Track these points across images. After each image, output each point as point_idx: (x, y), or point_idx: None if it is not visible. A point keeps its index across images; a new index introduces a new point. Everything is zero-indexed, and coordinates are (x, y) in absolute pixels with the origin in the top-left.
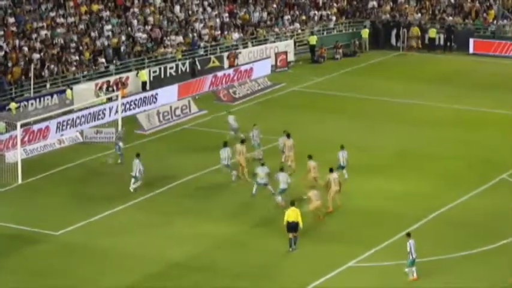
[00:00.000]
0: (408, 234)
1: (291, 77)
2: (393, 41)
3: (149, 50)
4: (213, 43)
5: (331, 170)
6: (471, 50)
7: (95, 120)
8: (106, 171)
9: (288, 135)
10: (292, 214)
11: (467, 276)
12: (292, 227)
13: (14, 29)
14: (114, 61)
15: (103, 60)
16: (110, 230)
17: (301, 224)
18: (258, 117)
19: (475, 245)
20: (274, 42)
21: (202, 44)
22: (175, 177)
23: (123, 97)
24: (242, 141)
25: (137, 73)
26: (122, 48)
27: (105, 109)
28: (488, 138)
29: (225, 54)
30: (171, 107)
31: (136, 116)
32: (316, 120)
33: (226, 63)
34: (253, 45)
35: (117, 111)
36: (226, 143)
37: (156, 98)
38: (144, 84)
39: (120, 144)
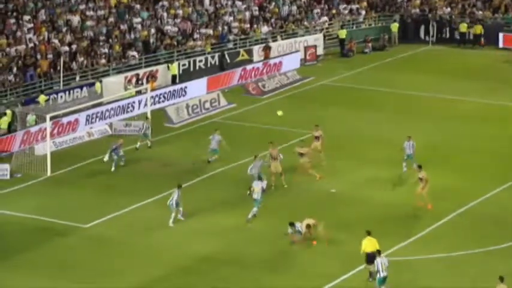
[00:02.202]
0: (379, 252)
1: (320, 71)
2: (422, 35)
3: (179, 43)
4: (242, 36)
5: (419, 167)
6: (501, 44)
7: (124, 113)
8: (134, 164)
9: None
10: (369, 244)
11: (494, 271)
12: (371, 259)
13: (44, 21)
14: (143, 54)
15: (133, 53)
16: (138, 224)
17: (380, 251)
18: (287, 110)
19: (503, 239)
20: (303, 36)
21: (231, 37)
22: (204, 170)
23: (152, 90)
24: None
25: (168, 66)
26: (152, 41)
27: (134, 102)
28: None
29: (255, 47)
30: (200, 100)
31: (166, 109)
32: (345, 114)
33: (257, 56)
34: (282, 39)
35: (146, 104)
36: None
37: (185, 91)
38: (174, 77)
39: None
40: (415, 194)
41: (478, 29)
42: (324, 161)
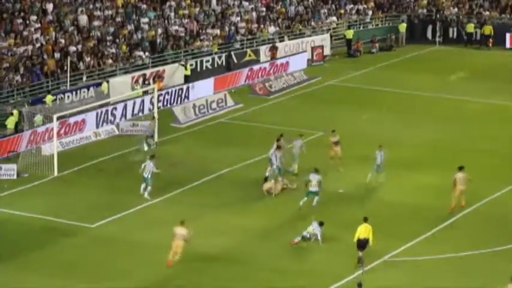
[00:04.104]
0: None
1: (327, 71)
2: (429, 35)
3: (186, 43)
4: (249, 37)
5: (460, 168)
6: (508, 45)
7: (131, 113)
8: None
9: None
10: (364, 231)
11: (501, 271)
12: (362, 245)
13: (51, 21)
14: (150, 54)
15: (140, 53)
16: (145, 223)
17: (371, 242)
18: (294, 111)
19: (510, 240)
20: (310, 36)
21: (238, 38)
22: (210, 170)
23: (159, 90)
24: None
25: (184, 66)
26: (159, 42)
27: (141, 102)
28: None
29: (262, 47)
30: (207, 100)
31: (173, 109)
32: (352, 114)
33: (264, 56)
34: (289, 39)
35: (153, 104)
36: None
37: (192, 91)
38: (186, 77)
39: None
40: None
41: (488, 29)
42: (341, 167)
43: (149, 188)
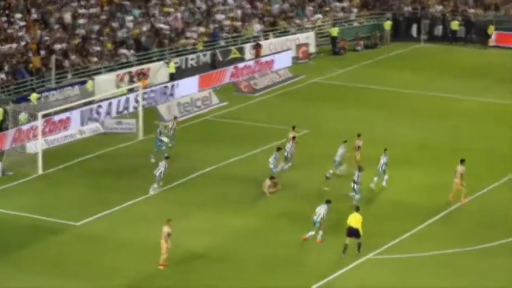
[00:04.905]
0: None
1: (312, 69)
2: (414, 33)
3: (171, 40)
4: (234, 34)
5: (460, 161)
6: (492, 43)
7: (116, 111)
8: (126, 162)
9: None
10: (353, 220)
11: (486, 269)
12: (352, 233)
13: (36, 19)
14: (135, 52)
15: (125, 51)
16: (131, 221)
17: (361, 232)
18: (279, 108)
19: (495, 237)
20: (295, 33)
21: (223, 35)
22: (196, 168)
23: (144, 88)
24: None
25: (168, 64)
26: (144, 39)
27: (126, 100)
28: (510, 132)
29: (247, 45)
30: (191, 98)
31: (157, 107)
32: (337, 112)
33: (249, 54)
34: (274, 37)
35: (137, 102)
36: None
37: (177, 89)
38: (172, 75)
39: (163, 138)
40: (455, 188)
41: (490, 29)
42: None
43: (155, 185)
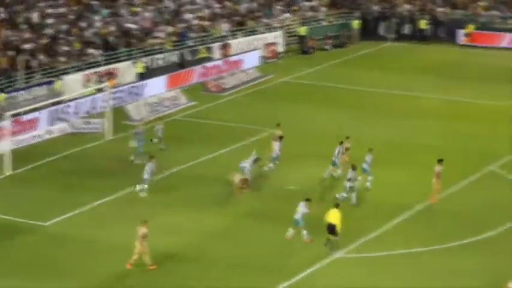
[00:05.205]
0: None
1: (281, 68)
2: (383, 31)
3: (139, 40)
4: (203, 34)
5: (439, 161)
6: (460, 41)
7: (84, 111)
8: (94, 162)
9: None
10: (332, 216)
11: (456, 266)
12: (330, 229)
13: (4, 19)
14: (103, 52)
15: (93, 50)
16: (100, 221)
17: (338, 228)
18: (248, 108)
19: (464, 235)
20: (263, 33)
21: (191, 35)
22: (165, 168)
23: (112, 88)
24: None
25: (136, 64)
26: (112, 39)
27: (94, 100)
28: (477, 130)
29: (215, 45)
30: (160, 98)
31: (125, 107)
32: (305, 111)
33: (217, 54)
34: (242, 36)
35: (106, 102)
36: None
37: (145, 89)
38: (140, 75)
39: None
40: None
41: (470, 28)
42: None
43: (145, 186)
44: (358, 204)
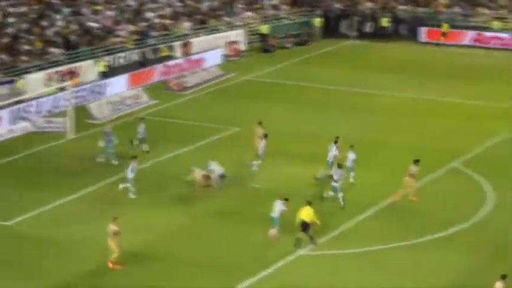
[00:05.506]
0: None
1: (242, 67)
2: (344, 29)
3: (101, 39)
4: (164, 32)
5: (415, 162)
6: (422, 39)
7: (46, 110)
8: (57, 161)
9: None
10: (305, 213)
11: (416, 264)
12: (302, 226)
13: None
14: (65, 51)
15: (54, 49)
16: (64, 220)
17: (311, 225)
18: (209, 106)
19: (425, 233)
20: (225, 31)
21: (153, 34)
22: (126, 166)
23: (74, 87)
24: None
25: (98, 63)
26: (73, 38)
27: (56, 98)
28: (439, 127)
29: (176, 43)
30: (121, 97)
31: (87, 106)
32: (267, 109)
33: (179, 52)
34: (204, 35)
35: (68, 101)
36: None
37: (107, 88)
38: (102, 74)
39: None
40: (404, 187)
41: (445, 27)
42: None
43: (131, 187)
44: (344, 205)
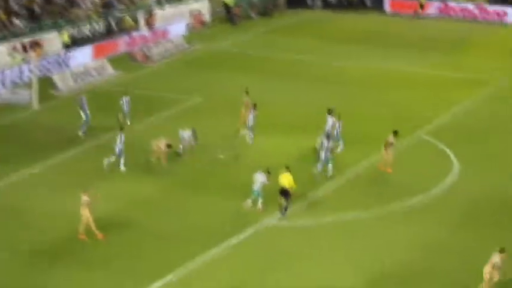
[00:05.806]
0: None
1: (207, 37)
2: (309, 0)
3: (65, 10)
4: (129, 3)
5: (394, 133)
6: (387, 9)
7: (10, 81)
8: (24, 132)
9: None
10: (283, 179)
11: (381, 234)
12: (282, 192)
13: None
14: (28, 22)
15: (17, 21)
16: (31, 190)
17: (292, 188)
18: (174, 77)
19: (393, 202)
20: (189, 2)
21: (117, 5)
22: (93, 137)
23: (38, 58)
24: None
25: (62, 34)
26: (36, 9)
27: (20, 70)
28: (404, 97)
29: (141, 14)
30: (86, 68)
31: (52, 77)
32: (232, 80)
33: (143, 23)
34: (168, 6)
35: (32, 72)
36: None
37: (71, 59)
38: (66, 45)
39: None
40: (382, 158)
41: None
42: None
43: (120, 159)
44: (333, 175)
